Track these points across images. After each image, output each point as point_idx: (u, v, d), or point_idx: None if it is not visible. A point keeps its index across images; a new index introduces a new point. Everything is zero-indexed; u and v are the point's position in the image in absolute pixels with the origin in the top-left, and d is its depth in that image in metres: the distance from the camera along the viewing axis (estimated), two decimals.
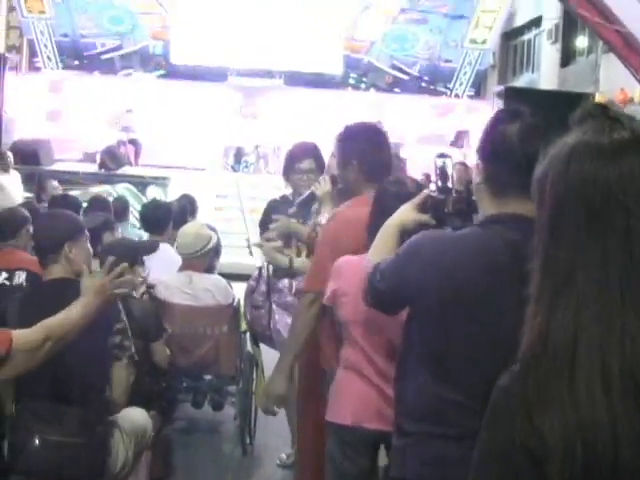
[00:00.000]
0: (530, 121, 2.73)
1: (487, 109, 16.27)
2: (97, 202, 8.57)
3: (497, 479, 1.50)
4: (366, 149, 4.17)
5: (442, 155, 3.42)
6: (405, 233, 3.01)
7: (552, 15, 18.90)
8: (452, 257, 2.66)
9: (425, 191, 3.22)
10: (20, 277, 5.37)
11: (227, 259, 7.92)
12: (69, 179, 14.37)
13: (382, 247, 2.99)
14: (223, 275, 6.66)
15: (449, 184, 3.30)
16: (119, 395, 4.44)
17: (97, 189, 13.48)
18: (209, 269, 6.45)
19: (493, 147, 2.75)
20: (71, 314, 3.61)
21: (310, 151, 5.74)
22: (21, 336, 3.37)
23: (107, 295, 3.77)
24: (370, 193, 3.99)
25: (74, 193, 10.66)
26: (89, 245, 4.51)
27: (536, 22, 20.38)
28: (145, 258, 5.98)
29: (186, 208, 8.56)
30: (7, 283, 5.39)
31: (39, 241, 4.51)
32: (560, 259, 1.48)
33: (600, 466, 1.40)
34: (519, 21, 21.21)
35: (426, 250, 2.71)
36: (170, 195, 13.15)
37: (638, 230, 1.43)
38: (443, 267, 2.65)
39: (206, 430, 6.85)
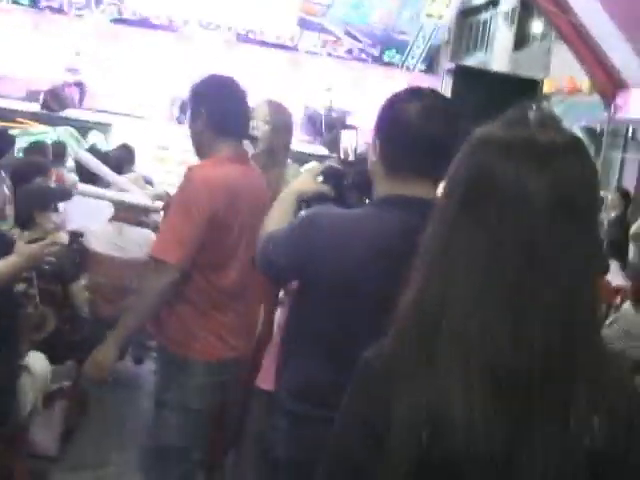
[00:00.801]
0: (431, 102, 2.68)
1: (437, 85, 16.29)
2: (35, 146, 8.51)
3: (346, 452, 1.52)
4: (217, 99, 3.90)
5: (346, 127, 3.40)
6: (303, 202, 2.98)
7: None
8: (345, 238, 2.61)
9: (328, 162, 3.18)
10: None
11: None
12: (9, 116, 14.14)
13: (279, 215, 2.94)
14: None
15: (351, 157, 3.27)
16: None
17: (37, 129, 13.31)
18: (141, 223, 6.41)
19: (390, 126, 2.68)
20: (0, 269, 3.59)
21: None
22: None
23: (37, 262, 3.78)
24: (225, 150, 3.87)
25: (13, 132, 10.52)
26: (5, 189, 4.47)
27: (494, 2, 20.46)
28: (73, 206, 5.92)
29: (124, 157, 8.49)
30: None
31: None
32: (438, 236, 1.54)
33: (447, 455, 1.42)
34: (477, 0, 21.27)
35: (320, 228, 2.66)
36: (112, 141, 13.02)
37: (508, 225, 1.46)
38: (335, 247, 2.60)
39: (126, 384, 6.83)
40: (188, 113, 3.99)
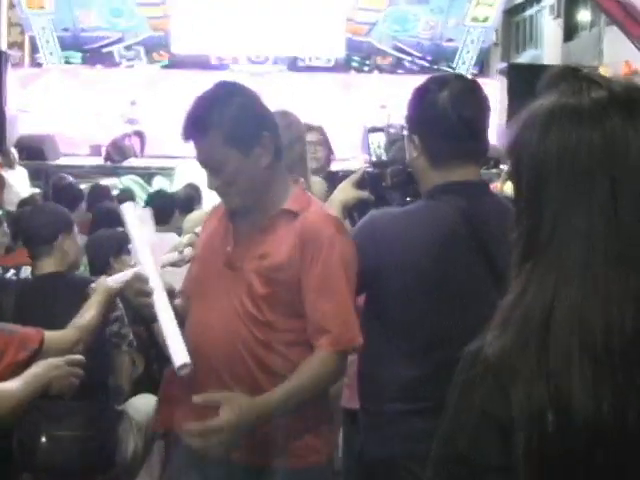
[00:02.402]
0: (460, 86, 2.72)
1: (491, 86, 16.20)
2: (98, 191, 8.62)
3: (463, 449, 1.44)
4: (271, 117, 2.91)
5: (374, 129, 3.43)
6: (348, 211, 2.99)
7: None
8: (406, 232, 2.63)
9: (362, 167, 3.18)
10: (26, 271, 5.38)
11: None
12: (75, 173, 14.39)
13: None
14: None
15: (383, 157, 3.29)
16: (123, 382, 4.46)
17: (104, 182, 13.51)
18: None
19: (425, 117, 2.72)
20: (93, 315, 3.58)
21: (315, 125, 5.31)
22: (54, 336, 3.32)
23: (115, 296, 3.74)
24: (293, 180, 2.96)
25: (82, 187, 10.71)
26: (78, 240, 4.51)
27: None
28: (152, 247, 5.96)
29: (192, 196, 8.58)
30: (14, 278, 5.40)
31: (31, 233, 4.48)
32: (542, 225, 1.42)
33: (577, 436, 1.35)
34: None
35: (379, 229, 2.69)
36: (176, 185, 13.15)
37: (622, 192, 1.37)
38: (400, 242, 2.62)
39: None
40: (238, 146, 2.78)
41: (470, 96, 2.72)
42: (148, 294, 2.83)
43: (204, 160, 2.79)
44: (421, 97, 2.77)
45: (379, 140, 3.47)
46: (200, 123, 2.77)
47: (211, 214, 3.15)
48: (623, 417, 1.34)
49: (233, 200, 2.84)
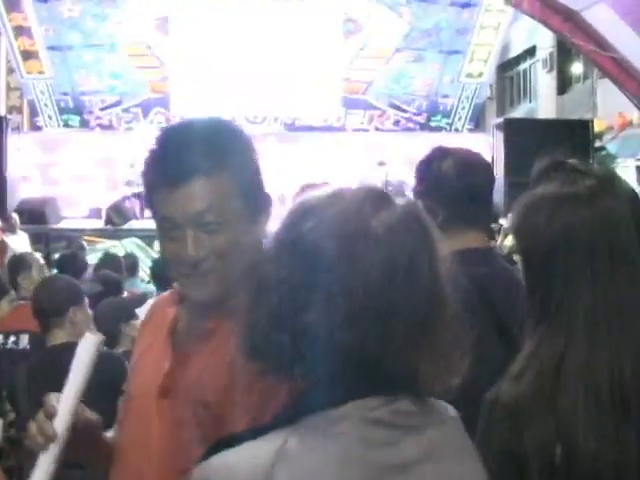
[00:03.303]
0: (463, 156, 2.80)
1: (487, 142, 16.30)
2: (108, 259, 8.60)
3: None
4: None
5: None
6: None
7: (546, 44, 19.03)
8: None
9: None
10: (23, 340, 5.31)
11: None
12: (76, 236, 14.42)
13: None
14: None
15: None
16: None
17: (105, 245, 13.53)
18: None
19: (430, 183, 2.79)
20: None
21: (319, 183, 5.24)
22: None
23: None
24: None
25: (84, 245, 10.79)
26: (88, 310, 4.52)
27: (530, 52, 20.52)
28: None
29: None
30: (15, 347, 5.33)
31: (43, 306, 4.42)
32: (552, 294, 1.71)
33: (581, 468, 1.58)
34: (513, 52, 21.34)
35: None
36: None
37: (618, 258, 1.69)
38: None
39: None
40: None
41: (476, 163, 2.79)
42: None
43: (201, 210, 1.77)
44: (426, 164, 2.84)
45: None
46: (211, 157, 1.79)
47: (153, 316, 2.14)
48: (623, 452, 1.59)
49: (211, 286, 1.80)
